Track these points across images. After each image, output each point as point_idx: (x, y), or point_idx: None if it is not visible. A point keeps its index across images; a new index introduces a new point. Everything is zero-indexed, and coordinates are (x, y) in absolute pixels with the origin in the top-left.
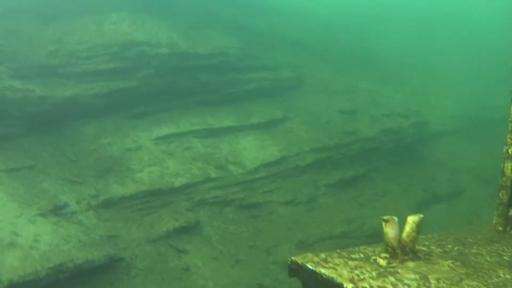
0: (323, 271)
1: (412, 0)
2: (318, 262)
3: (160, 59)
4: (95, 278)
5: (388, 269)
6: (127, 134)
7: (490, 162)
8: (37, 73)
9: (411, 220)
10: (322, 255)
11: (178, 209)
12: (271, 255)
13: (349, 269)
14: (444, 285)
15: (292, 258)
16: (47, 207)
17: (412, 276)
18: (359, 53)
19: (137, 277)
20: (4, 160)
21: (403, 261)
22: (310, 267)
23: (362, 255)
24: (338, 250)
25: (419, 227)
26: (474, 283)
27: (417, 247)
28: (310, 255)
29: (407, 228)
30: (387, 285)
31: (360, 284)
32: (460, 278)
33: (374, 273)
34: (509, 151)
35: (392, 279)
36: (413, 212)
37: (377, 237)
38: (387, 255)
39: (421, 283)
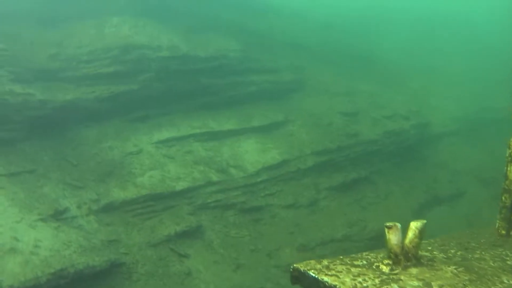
0: (325, 278)
1: (412, 2)
2: (320, 270)
3: (160, 62)
4: (96, 283)
5: (391, 276)
6: (128, 137)
7: (491, 164)
8: (38, 77)
9: (414, 226)
10: (325, 262)
11: (180, 213)
12: (273, 258)
13: (351, 277)
14: None
15: (294, 265)
16: (47, 212)
17: (415, 283)
18: (359, 54)
19: (138, 282)
20: (5, 165)
21: (406, 268)
22: (313, 274)
23: (364, 262)
24: (341, 257)
25: (421, 233)
26: None
27: (420, 252)
28: (312, 262)
29: (410, 234)
30: None
31: None
32: (464, 284)
33: (377, 281)
34: None
35: (395, 286)
36: (415, 214)
37: (379, 240)
38: (390, 262)
39: None
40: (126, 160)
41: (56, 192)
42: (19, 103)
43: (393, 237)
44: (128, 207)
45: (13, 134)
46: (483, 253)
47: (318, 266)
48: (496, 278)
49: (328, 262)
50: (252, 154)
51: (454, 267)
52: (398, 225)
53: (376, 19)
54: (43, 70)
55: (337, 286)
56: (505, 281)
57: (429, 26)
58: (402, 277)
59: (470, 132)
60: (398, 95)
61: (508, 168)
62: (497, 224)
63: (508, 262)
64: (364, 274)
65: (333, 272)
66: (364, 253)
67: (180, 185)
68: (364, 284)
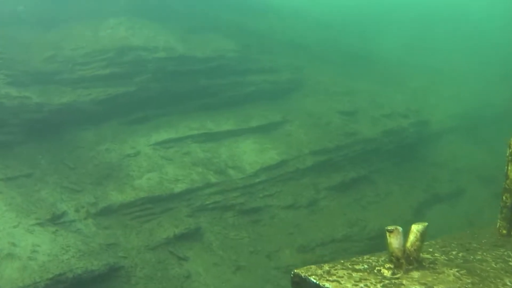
0: (327, 284)
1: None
2: (321, 275)
3: (157, 64)
4: None
5: (393, 281)
6: (125, 140)
7: (491, 161)
8: (34, 79)
9: (415, 229)
10: (326, 267)
11: (178, 215)
12: (272, 260)
13: (353, 282)
14: None
15: (295, 271)
16: (45, 216)
17: (418, 287)
18: (358, 53)
19: (137, 286)
20: (1, 169)
21: (407, 271)
22: (314, 280)
23: (366, 266)
24: (342, 261)
25: (423, 236)
26: None
27: (421, 255)
28: (313, 267)
29: (411, 237)
30: None
31: None
32: None
33: (378, 286)
34: None
35: None
36: (415, 213)
37: (379, 239)
38: (392, 266)
39: None
40: (124, 163)
41: (54, 195)
42: (15, 106)
43: (394, 241)
44: (126, 210)
45: (9, 138)
46: (484, 254)
47: (319, 272)
48: (498, 280)
49: (329, 267)
50: (251, 154)
51: (456, 269)
52: (400, 228)
53: (374, 17)
54: (39, 73)
55: None
56: (508, 283)
57: (427, 24)
58: (404, 282)
59: (470, 130)
60: (397, 94)
61: (509, 168)
62: (498, 224)
63: (510, 263)
64: (365, 279)
65: (334, 277)
66: (365, 256)
67: (179, 187)
68: None
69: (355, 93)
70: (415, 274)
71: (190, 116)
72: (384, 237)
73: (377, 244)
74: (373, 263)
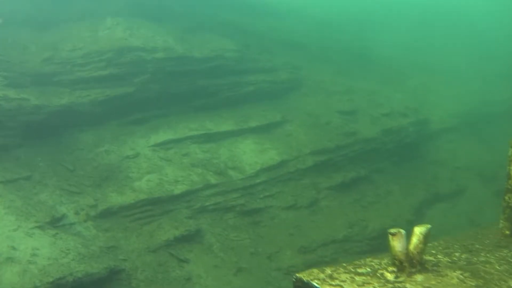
0: None
1: None
2: (324, 280)
3: (156, 64)
4: None
5: (396, 285)
6: (124, 141)
7: (492, 160)
8: (32, 81)
9: (418, 231)
10: (328, 271)
11: (178, 217)
12: (273, 261)
13: (356, 286)
14: None
15: (297, 275)
16: (44, 219)
17: None
18: (357, 52)
19: None
20: (0, 172)
21: (411, 274)
22: (316, 285)
23: (368, 269)
24: (344, 264)
25: (426, 238)
26: None
27: (424, 257)
28: (315, 271)
29: (414, 240)
30: None
31: None
32: None
33: None
34: None
35: None
36: (416, 212)
37: (380, 239)
38: (395, 269)
39: None
40: (123, 164)
41: (53, 198)
42: (13, 108)
43: (397, 244)
44: (126, 212)
45: (7, 140)
46: (488, 255)
47: (321, 276)
48: (503, 282)
49: (331, 271)
50: (250, 155)
51: (459, 272)
52: (402, 231)
53: (373, 16)
54: (38, 74)
55: None
56: None
57: (426, 22)
58: (407, 285)
59: (470, 128)
60: (397, 93)
61: (511, 168)
62: (500, 224)
63: None
64: (368, 283)
65: (337, 282)
66: (367, 259)
67: (178, 189)
68: None
69: (354, 92)
70: (418, 277)
71: (189, 116)
72: (385, 237)
73: (378, 244)
74: (376, 266)
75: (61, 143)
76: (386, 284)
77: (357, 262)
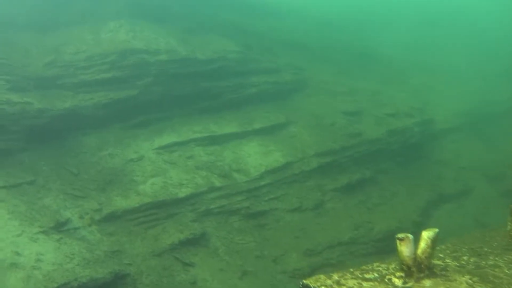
0: None
1: None
2: (331, 286)
3: (159, 67)
4: None
5: None
6: (128, 144)
7: (496, 159)
8: (35, 85)
9: (426, 235)
10: (335, 277)
11: (183, 220)
12: (279, 264)
13: None
14: None
15: (304, 281)
16: (49, 224)
17: None
18: (359, 51)
19: None
20: (4, 176)
21: (419, 280)
22: None
23: (376, 274)
24: (351, 269)
25: (434, 243)
26: None
27: (432, 261)
28: (322, 277)
29: (422, 245)
30: None
31: None
32: None
33: None
34: None
35: None
36: (422, 213)
37: (386, 241)
38: (403, 274)
39: None
40: (127, 168)
41: (57, 203)
42: (16, 113)
43: (405, 249)
44: (130, 216)
45: (11, 145)
46: (496, 258)
47: (328, 282)
48: None
49: (338, 276)
50: (255, 157)
51: (468, 276)
52: (410, 236)
53: (375, 16)
54: (41, 78)
55: None
56: None
57: (429, 22)
58: None
59: (473, 128)
60: (400, 93)
61: None
62: (508, 227)
63: None
64: None
65: None
66: (374, 264)
67: (183, 192)
68: None
69: (358, 92)
70: (427, 283)
71: (193, 119)
72: (391, 239)
73: (384, 246)
74: (383, 271)
75: (65, 147)
76: None
77: (364, 267)
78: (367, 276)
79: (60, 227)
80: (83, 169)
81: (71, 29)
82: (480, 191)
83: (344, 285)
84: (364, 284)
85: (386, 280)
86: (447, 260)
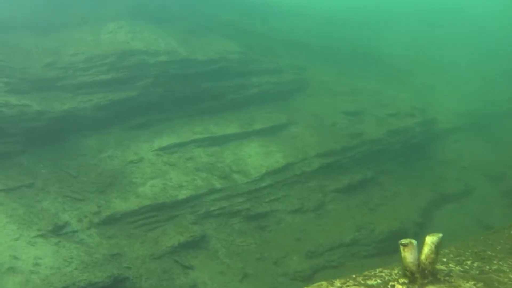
0: None
1: None
2: None
3: (159, 68)
4: None
5: None
6: (128, 146)
7: (497, 159)
8: (34, 87)
9: (430, 240)
10: (337, 283)
11: (183, 222)
12: (280, 266)
13: None
14: None
15: None
16: (47, 227)
17: None
18: (359, 51)
19: None
20: (2, 179)
21: (422, 286)
22: None
23: (379, 281)
24: (354, 275)
25: (438, 248)
26: None
27: (436, 267)
28: (324, 284)
29: (426, 250)
30: None
31: None
32: None
33: None
34: None
35: None
36: (423, 214)
37: (388, 242)
38: (406, 280)
39: None
40: (127, 170)
41: (56, 206)
42: (15, 115)
43: (408, 255)
44: (130, 219)
45: (10, 147)
46: (500, 263)
47: None
48: None
49: (341, 283)
50: (256, 158)
51: (472, 282)
52: (414, 242)
53: (376, 16)
54: (39, 80)
55: None
56: None
57: (430, 21)
58: None
59: (475, 128)
60: (401, 92)
61: None
62: None
63: None
64: None
65: None
66: (377, 270)
67: (183, 194)
68: None
69: (359, 92)
70: None
71: (193, 120)
72: (393, 240)
73: (386, 247)
74: (386, 278)
75: (64, 149)
76: None
77: (367, 273)
78: (369, 282)
79: (58, 230)
80: (82, 172)
81: (71, 31)
82: (482, 191)
83: None
84: None
85: (389, 287)
86: (451, 265)
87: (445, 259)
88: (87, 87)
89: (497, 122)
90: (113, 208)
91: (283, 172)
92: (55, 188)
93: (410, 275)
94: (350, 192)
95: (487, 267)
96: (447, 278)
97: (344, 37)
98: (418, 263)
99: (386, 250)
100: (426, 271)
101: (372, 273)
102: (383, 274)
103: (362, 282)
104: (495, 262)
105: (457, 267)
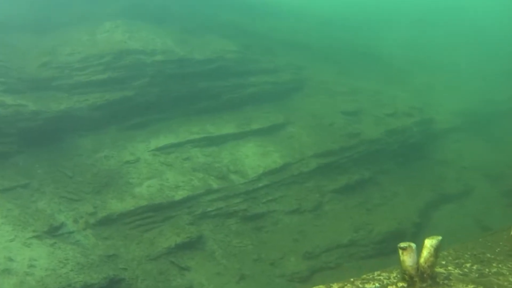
0: None
1: None
2: None
3: (156, 67)
4: None
5: None
6: (124, 146)
7: (497, 159)
8: (30, 86)
9: (429, 244)
10: (335, 287)
11: (180, 223)
12: (277, 268)
13: None
14: None
15: None
16: (42, 228)
17: None
18: (359, 51)
19: None
20: None
21: None
22: None
23: (377, 284)
24: (351, 279)
25: (437, 251)
26: None
27: (435, 270)
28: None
29: (425, 253)
30: None
31: None
32: None
33: None
34: None
35: None
36: (422, 214)
37: (386, 243)
38: (405, 284)
39: None
40: (123, 170)
41: (51, 206)
42: (10, 115)
43: (407, 259)
44: (126, 219)
45: (5, 147)
46: (500, 266)
47: None
48: None
49: (339, 287)
50: (253, 158)
51: (472, 286)
52: (413, 245)
53: (375, 16)
54: (35, 80)
55: None
56: None
57: (429, 21)
58: None
59: (474, 127)
60: (400, 92)
61: None
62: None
63: None
64: None
65: None
66: (375, 273)
67: (179, 194)
68: None
69: (357, 92)
70: None
71: (190, 120)
72: (391, 241)
73: (384, 248)
74: (385, 281)
75: (60, 149)
76: None
77: (365, 276)
78: (368, 286)
79: (54, 231)
80: (78, 172)
81: (67, 30)
82: (481, 191)
83: None
84: None
85: None
86: (450, 268)
87: (444, 262)
88: (83, 87)
89: (497, 122)
90: (109, 208)
91: (281, 172)
92: (50, 188)
93: (409, 278)
94: (348, 193)
95: (487, 270)
96: (446, 281)
97: (344, 37)
98: (417, 266)
99: (384, 251)
100: (425, 275)
101: (371, 276)
102: (382, 277)
103: (360, 285)
104: (494, 264)
105: (456, 270)
